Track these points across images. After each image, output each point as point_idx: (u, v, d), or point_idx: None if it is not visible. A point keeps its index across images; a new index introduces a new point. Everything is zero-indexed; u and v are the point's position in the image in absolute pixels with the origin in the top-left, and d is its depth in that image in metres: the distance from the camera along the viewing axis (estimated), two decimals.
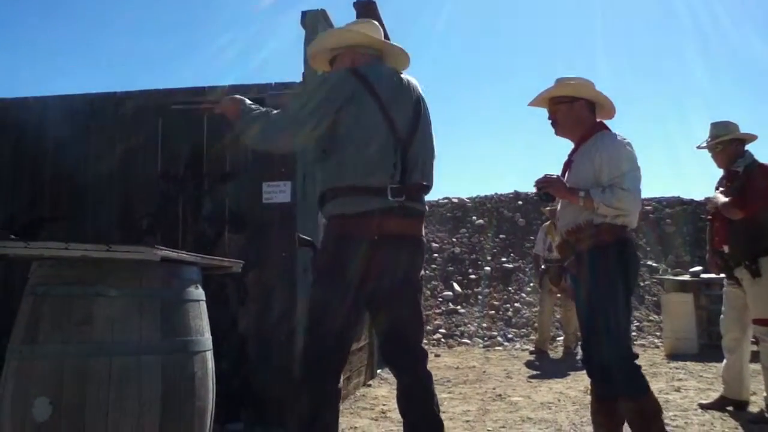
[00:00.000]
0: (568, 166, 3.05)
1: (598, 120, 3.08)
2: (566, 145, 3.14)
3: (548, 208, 7.92)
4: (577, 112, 3.03)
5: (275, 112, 2.43)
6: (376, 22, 2.69)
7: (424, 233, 2.51)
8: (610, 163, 2.83)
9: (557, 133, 3.12)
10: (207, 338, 2.61)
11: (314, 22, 4.12)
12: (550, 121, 3.12)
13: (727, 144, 4.22)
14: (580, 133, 3.04)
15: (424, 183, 2.46)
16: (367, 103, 2.32)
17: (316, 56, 2.69)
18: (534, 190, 3.04)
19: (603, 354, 2.86)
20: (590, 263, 2.87)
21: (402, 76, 2.51)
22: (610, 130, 3.04)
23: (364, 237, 2.28)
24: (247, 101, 2.52)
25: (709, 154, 4.35)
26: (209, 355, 2.61)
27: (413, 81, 2.55)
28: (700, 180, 26.80)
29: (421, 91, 2.55)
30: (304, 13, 4.16)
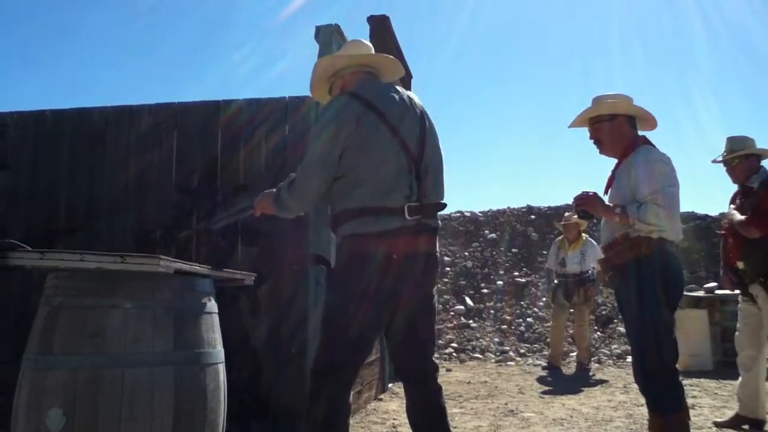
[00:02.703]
0: (611, 181, 3.08)
1: (641, 134, 3.10)
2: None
3: (562, 222, 7.93)
4: (618, 129, 3.05)
5: (294, 174, 2.45)
6: (363, 40, 2.70)
7: (438, 248, 2.52)
8: (646, 179, 2.84)
9: (601, 152, 3.13)
10: (219, 350, 2.62)
11: (328, 37, 4.16)
12: (593, 142, 3.13)
13: (743, 159, 4.19)
14: (622, 149, 3.05)
15: (441, 202, 2.48)
16: (376, 124, 2.33)
17: (316, 91, 2.72)
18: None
19: (638, 367, 2.90)
20: (627, 276, 2.90)
21: (402, 92, 2.51)
22: (651, 144, 3.04)
23: (381, 255, 2.28)
24: (273, 191, 2.55)
25: (724, 169, 4.33)
26: (221, 368, 2.62)
27: (414, 96, 2.55)
28: (714, 195, 26.65)
29: (422, 105, 2.56)
30: (318, 29, 4.20)
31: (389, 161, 2.33)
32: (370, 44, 2.69)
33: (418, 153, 2.41)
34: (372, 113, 2.34)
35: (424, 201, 2.37)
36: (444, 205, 2.51)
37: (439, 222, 2.52)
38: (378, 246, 2.29)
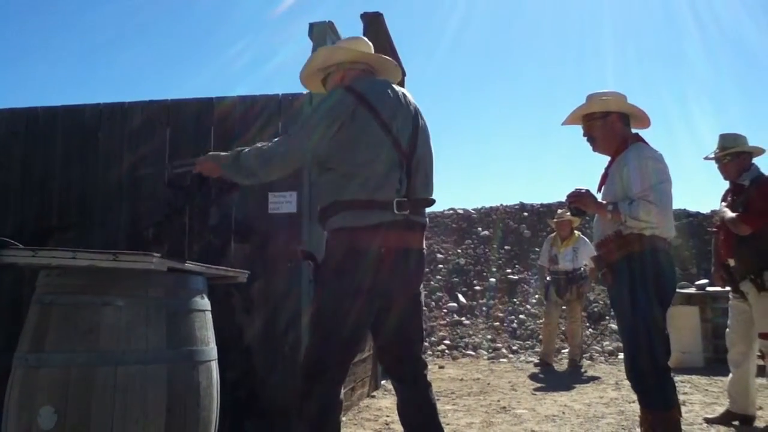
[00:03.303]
0: (604, 179, 3.10)
1: (634, 132, 3.11)
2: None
3: (555, 219, 7.95)
4: (610, 126, 3.06)
5: (271, 143, 2.46)
6: (365, 39, 2.72)
7: (425, 245, 2.52)
8: (638, 177, 2.86)
9: (594, 149, 3.14)
10: (212, 348, 2.62)
11: (322, 34, 4.16)
12: (585, 138, 3.15)
13: (734, 156, 4.21)
14: (614, 147, 3.06)
15: (430, 198, 2.49)
16: (368, 119, 2.34)
17: (308, 78, 2.71)
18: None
19: (629, 364, 2.91)
20: (618, 273, 2.91)
21: (397, 89, 2.52)
22: (644, 141, 3.06)
23: (370, 249, 2.29)
24: (221, 154, 2.56)
25: (716, 166, 4.34)
26: (214, 365, 2.62)
27: (408, 94, 2.57)
28: (706, 192, 26.76)
29: (416, 104, 2.57)
30: (311, 26, 4.19)
31: (380, 156, 2.34)
32: (371, 43, 2.69)
33: (410, 149, 2.42)
34: (365, 108, 2.35)
35: (413, 197, 2.39)
36: (432, 201, 2.52)
37: (427, 219, 2.53)
38: (366, 240, 2.30)
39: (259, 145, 2.47)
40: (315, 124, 2.36)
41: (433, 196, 2.54)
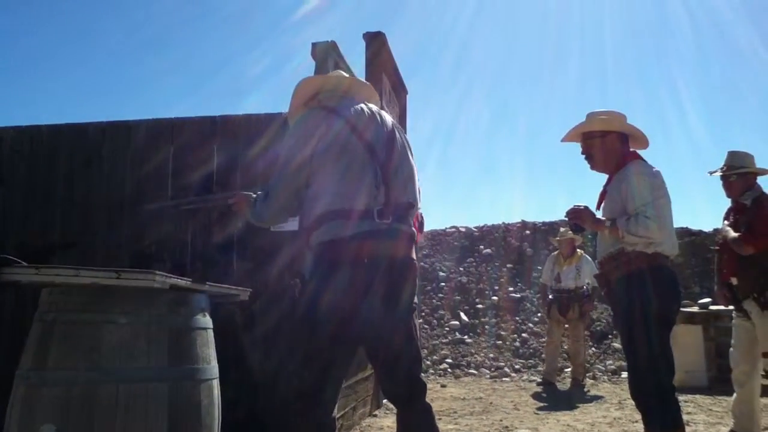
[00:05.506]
0: (603, 196, 3.11)
1: (631, 150, 3.13)
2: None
3: (557, 238, 7.94)
4: (609, 145, 3.08)
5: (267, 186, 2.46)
6: (341, 72, 2.75)
7: (414, 255, 2.46)
8: (635, 192, 2.87)
9: (592, 167, 3.17)
10: (214, 366, 2.61)
11: (324, 53, 4.19)
12: (584, 156, 3.17)
13: (741, 175, 4.22)
14: (612, 165, 3.08)
15: (410, 201, 2.43)
16: (340, 129, 2.33)
17: (293, 117, 2.69)
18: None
19: (632, 383, 2.90)
20: (621, 291, 2.91)
21: (372, 106, 2.51)
22: (642, 159, 3.08)
23: (354, 261, 2.23)
24: (253, 195, 2.55)
25: (721, 182, 4.34)
26: (216, 384, 2.61)
27: (384, 112, 2.56)
28: (707, 210, 26.73)
29: (394, 120, 2.57)
30: (314, 45, 4.23)
31: (354, 165, 2.31)
32: (346, 75, 2.72)
33: (386, 158, 2.38)
34: (336, 118, 2.35)
35: (392, 204, 2.33)
36: (412, 205, 2.44)
37: (414, 230, 2.46)
38: (349, 251, 2.23)
39: (266, 187, 2.47)
40: (288, 151, 2.36)
41: (419, 203, 2.50)
